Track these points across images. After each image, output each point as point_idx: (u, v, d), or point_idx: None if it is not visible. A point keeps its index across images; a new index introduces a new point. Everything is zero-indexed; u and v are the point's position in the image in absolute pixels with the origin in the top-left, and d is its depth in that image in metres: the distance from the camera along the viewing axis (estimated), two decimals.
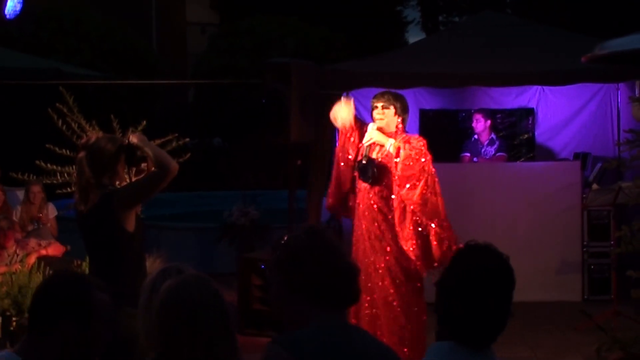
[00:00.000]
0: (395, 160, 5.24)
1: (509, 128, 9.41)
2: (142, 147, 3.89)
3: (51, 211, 8.47)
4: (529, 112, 9.36)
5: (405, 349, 5.22)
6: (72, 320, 2.44)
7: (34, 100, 11.04)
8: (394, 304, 5.31)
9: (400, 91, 5.82)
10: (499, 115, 9.35)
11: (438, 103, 9.50)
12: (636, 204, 5.90)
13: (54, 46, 14.18)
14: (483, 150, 8.88)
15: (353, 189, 5.58)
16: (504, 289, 2.30)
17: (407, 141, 5.28)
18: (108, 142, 3.92)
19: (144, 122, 6.48)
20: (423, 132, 9.14)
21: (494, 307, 2.26)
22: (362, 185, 5.44)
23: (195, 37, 22.50)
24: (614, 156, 8.37)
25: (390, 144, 5.29)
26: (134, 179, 3.98)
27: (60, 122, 6.27)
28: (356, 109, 8.59)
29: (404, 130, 5.48)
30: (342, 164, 5.57)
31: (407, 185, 5.16)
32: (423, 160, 5.20)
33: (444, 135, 9.49)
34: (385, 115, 5.39)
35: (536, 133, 9.30)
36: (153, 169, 3.89)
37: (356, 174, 5.48)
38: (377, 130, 5.39)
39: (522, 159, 9.05)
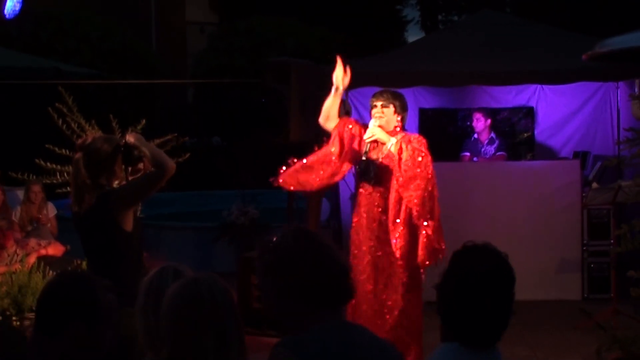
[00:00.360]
0: (396, 161, 5.22)
1: (508, 127, 9.41)
2: (139, 146, 3.87)
3: (51, 210, 8.47)
4: (529, 111, 9.36)
5: (402, 350, 5.21)
6: (80, 321, 2.44)
7: (33, 100, 11.05)
8: (391, 304, 5.31)
9: (399, 90, 5.81)
10: (499, 114, 9.35)
11: (437, 102, 9.50)
12: (636, 202, 5.89)
13: (53, 46, 14.18)
14: (483, 149, 8.87)
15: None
16: (504, 288, 2.30)
17: (409, 141, 5.26)
18: (105, 142, 3.90)
19: (143, 121, 6.48)
20: (422, 131, 9.14)
21: (495, 307, 2.26)
22: (364, 186, 5.42)
23: (195, 36, 22.49)
24: (614, 155, 8.37)
25: (391, 144, 5.28)
26: (130, 179, 3.97)
27: (60, 122, 6.27)
28: (356, 108, 8.66)
29: (403, 129, 5.47)
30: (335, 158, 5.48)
31: (411, 186, 5.15)
32: (422, 159, 5.19)
33: (443, 135, 9.50)
34: (384, 114, 5.38)
35: (536, 132, 9.31)
36: (151, 168, 3.88)
37: (357, 172, 5.47)
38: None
39: (522, 158, 9.05)
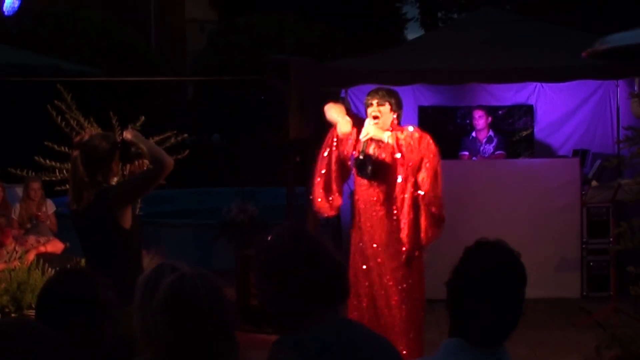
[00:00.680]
0: (397, 154, 5.23)
1: (508, 125, 9.41)
2: (137, 143, 3.87)
3: (50, 207, 8.47)
4: (528, 109, 9.36)
5: (403, 348, 5.21)
6: (80, 319, 2.45)
7: (33, 97, 11.04)
8: (394, 298, 5.31)
9: (398, 88, 5.81)
10: (498, 112, 9.35)
11: (437, 100, 9.49)
12: (635, 200, 5.90)
13: (53, 43, 14.17)
14: (482, 148, 8.87)
15: (339, 189, 5.57)
16: (513, 286, 2.29)
17: (400, 130, 5.31)
18: (102, 139, 3.90)
19: (142, 118, 6.47)
20: (422, 128, 9.12)
21: (501, 305, 2.25)
22: (362, 182, 5.43)
23: (194, 34, 22.49)
24: (614, 153, 8.37)
25: (387, 136, 5.30)
26: (126, 175, 3.97)
27: (59, 119, 6.27)
28: (355, 106, 8.65)
29: (399, 126, 5.47)
30: (335, 164, 5.53)
31: (423, 167, 5.19)
32: (421, 137, 5.25)
33: (442, 132, 9.49)
34: (381, 113, 5.38)
35: (535, 130, 9.30)
36: (147, 165, 3.88)
37: (354, 170, 5.48)
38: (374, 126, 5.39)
39: (522, 156, 9.05)
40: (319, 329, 2.25)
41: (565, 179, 7.95)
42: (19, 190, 8.83)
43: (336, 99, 7.63)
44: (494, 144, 8.84)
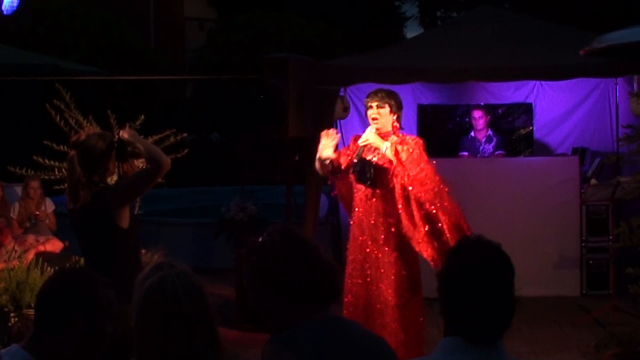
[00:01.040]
0: (396, 162, 5.18)
1: (507, 123, 9.41)
2: (133, 142, 3.86)
3: (49, 206, 8.46)
4: (528, 107, 9.35)
5: (402, 349, 5.20)
6: (80, 318, 2.45)
7: (32, 96, 11.04)
8: (393, 304, 5.30)
9: (398, 86, 5.80)
10: (498, 111, 9.35)
11: (436, 98, 9.49)
12: (634, 198, 5.89)
13: (52, 42, 14.16)
14: (481, 147, 8.86)
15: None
16: (502, 278, 2.28)
17: (403, 141, 5.25)
18: (99, 139, 3.88)
19: (142, 117, 6.47)
20: (421, 127, 9.15)
21: (494, 300, 2.25)
22: (361, 189, 5.37)
23: (193, 32, 22.49)
24: (613, 151, 8.37)
25: (385, 147, 5.23)
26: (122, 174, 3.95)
27: (58, 118, 6.26)
28: (354, 104, 8.65)
29: (400, 127, 5.44)
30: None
31: (420, 179, 5.12)
32: (421, 157, 5.19)
33: (442, 131, 9.50)
34: (381, 115, 5.35)
35: (534, 128, 9.30)
36: (141, 165, 3.87)
37: (352, 177, 5.41)
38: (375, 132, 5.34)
39: (521, 154, 9.05)
40: (311, 327, 2.27)
41: (565, 177, 7.95)
42: (18, 189, 8.82)
43: (335, 97, 7.64)
44: (493, 143, 8.84)
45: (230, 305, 7.19)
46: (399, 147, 5.18)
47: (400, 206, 5.20)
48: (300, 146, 7.04)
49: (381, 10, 25.04)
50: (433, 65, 7.82)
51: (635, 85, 8.39)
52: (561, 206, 7.88)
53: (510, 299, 2.28)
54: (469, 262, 2.28)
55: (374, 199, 5.30)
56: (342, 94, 8.13)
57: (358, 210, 5.41)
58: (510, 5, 21.01)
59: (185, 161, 6.46)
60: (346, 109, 8.13)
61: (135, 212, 5.94)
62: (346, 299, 5.42)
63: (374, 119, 5.35)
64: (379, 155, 5.27)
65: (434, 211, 5.14)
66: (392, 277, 5.28)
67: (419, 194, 5.13)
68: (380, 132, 5.34)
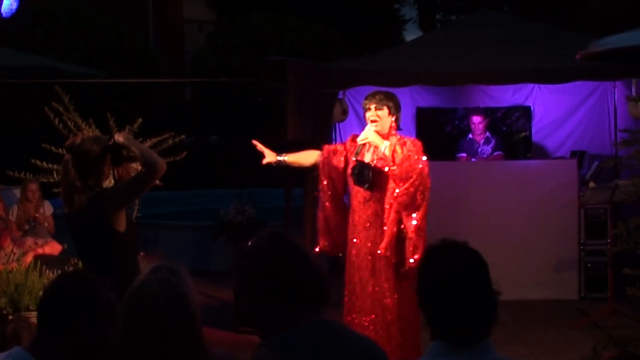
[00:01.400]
0: (390, 164, 5.17)
1: (505, 126, 9.42)
2: (129, 146, 3.84)
3: (48, 209, 8.46)
4: (526, 110, 9.37)
5: (399, 351, 5.20)
6: (82, 320, 2.46)
7: (30, 98, 11.04)
8: (390, 308, 5.29)
9: (396, 89, 5.79)
10: (497, 114, 9.36)
11: (435, 101, 9.50)
12: (633, 202, 5.89)
13: (51, 44, 14.16)
14: (479, 149, 8.87)
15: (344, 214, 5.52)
16: (473, 278, 2.27)
17: (403, 144, 5.24)
18: (94, 143, 3.86)
19: (139, 120, 6.46)
20: (420, 130, 9.15)
21: (470, 300, 2.25)
22: (358, 192, 5.34)
23: (193, 34, 22.51)
24: (611, 154, 8.38)
25: (385, 146, 5.24)
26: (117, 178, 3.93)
27: (56, 121, 6.26)
28: (353, 107, 8.66)
29: (398, 128, 5.44)
30: (328, 203, 5.53)
31: (404, 185, 5.11)
32: (420, 165, 5.17)
33: (440, 133, 9.51)
34: (379, 117, 5.34)
35: (533, 131, 9.31)
36: (135, 169, 3.86)
37: (350, 180, 5.38)
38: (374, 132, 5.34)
39: (519, 158, 9.05)
40: (301, 330, 2.27)
41: (563, 180, 7.95)
42: (17, 192, 8.82)
43: (334, 100, 7.65)
44: (491, 144, 8.84)
45: (228, 308, 7.18)
46: (398, 148, 5.19)
47: (387, 207, 5.22)
48: (299, 149, 7.04)
49: (380, 12, 25.07)
50: (432, 68, 7.84)
51: (633, 89, 8.41)
52: (559, 209, 7.88)
53: (487, 295, 2.27)
54: (436, 268, 2.29)
55: (371, 202, 5.30)
56: (340, 96, 8.13)
57: (354, 214, 5.42)
58: (509, 8, 21.04)
59: (184, 164, 6.46)
60: (345, 112, 8.14)
61: (134, 215, 5.94)
62: (346, 299, 5.42)
63: (372, 120, 5.33)
64: (378, 156, 5.27)
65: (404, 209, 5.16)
66: (390, 278, 5.29)
67: (399, 193, 5.15)
68: (379, 134, 5.33)
